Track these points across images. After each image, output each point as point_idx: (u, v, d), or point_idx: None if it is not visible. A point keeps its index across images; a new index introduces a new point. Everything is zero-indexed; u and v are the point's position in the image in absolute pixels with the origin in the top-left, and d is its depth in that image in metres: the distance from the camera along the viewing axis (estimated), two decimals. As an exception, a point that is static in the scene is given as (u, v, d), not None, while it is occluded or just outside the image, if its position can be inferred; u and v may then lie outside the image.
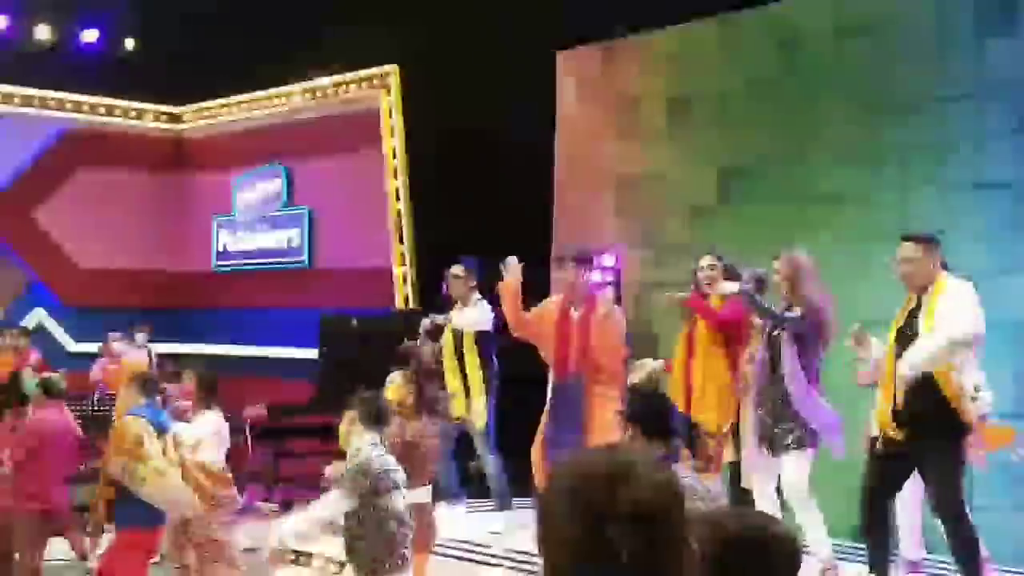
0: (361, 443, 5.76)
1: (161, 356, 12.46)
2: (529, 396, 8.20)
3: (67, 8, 14.07)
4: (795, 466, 6.68)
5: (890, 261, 6.25)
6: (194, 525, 7.70)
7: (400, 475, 5.76)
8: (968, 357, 6.03)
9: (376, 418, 5.83)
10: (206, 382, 8.07)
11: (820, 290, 6.82)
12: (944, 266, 6.37)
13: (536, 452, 7.61)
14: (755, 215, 9.16)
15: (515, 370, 8.53)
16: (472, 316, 8.41)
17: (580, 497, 1.49)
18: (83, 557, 8.68)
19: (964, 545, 5.93)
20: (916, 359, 5.88)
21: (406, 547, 5.70)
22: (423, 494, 6.73)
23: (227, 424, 7.94)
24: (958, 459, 5.99)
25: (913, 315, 6.11)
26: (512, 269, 7.53)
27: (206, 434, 7.72)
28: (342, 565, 6.25)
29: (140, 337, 12.64)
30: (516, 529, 7.95)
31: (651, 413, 4.61)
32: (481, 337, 8.40)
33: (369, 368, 8.25)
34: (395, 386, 6.80)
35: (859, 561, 6.46)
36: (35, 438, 7.98)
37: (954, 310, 5.94)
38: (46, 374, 8.85)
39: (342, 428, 5.89)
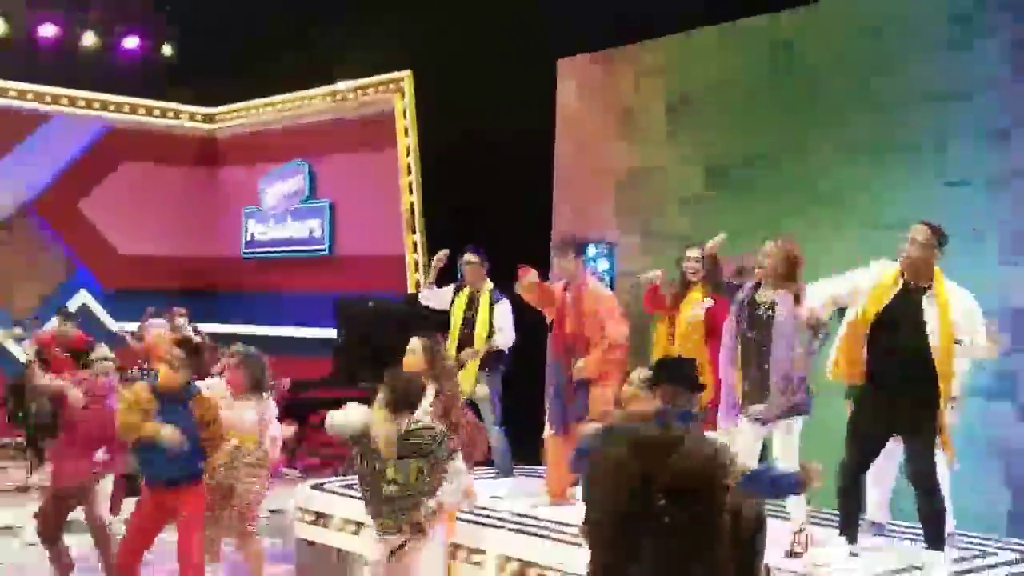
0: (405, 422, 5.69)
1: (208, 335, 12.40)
2: (529, 375, 8.24)
3: (111, 18, 14.05)
4: (788, 435, 6.65)
5: (900, 241, 6.17)
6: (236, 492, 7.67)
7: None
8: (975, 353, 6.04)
9: (407, 402, 5.65)
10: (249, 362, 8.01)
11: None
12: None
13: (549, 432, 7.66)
14: (740, 208, 9.14)
15: (517, 352, 8.48)
16: (506, 334, 8.34)
17: (631, 466, 1.47)
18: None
19: (933, 515, 5.91)
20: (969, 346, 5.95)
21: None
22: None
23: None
24: (938, 426, 5.98)
25: (908, 295, 6.02)
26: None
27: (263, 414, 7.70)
28: (359, 525, 6.21)
29: (180, 321, 12.60)
30: (516, 494, 7.93)
31: (680, 372, 4.80)
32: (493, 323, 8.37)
33: (383, 347, 8.22)
34: (414, 355, 6.72)
35: (829, 525, 6.39)
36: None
37: (975, 320, 5.94)
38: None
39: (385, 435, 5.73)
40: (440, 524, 5.77)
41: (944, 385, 5.90)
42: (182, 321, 12.49)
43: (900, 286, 6.07)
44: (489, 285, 8.39)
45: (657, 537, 1.44)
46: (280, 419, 9.11)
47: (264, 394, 7.66)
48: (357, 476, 5.89)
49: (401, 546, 5.62)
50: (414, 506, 5.56)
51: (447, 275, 8.71)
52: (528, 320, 8.26)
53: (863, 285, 6.15)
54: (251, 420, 7.56)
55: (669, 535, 1.44)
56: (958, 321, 5.93)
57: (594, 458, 1.58)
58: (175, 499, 6.69)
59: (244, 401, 7.72)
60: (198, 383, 7.01)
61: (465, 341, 8.26)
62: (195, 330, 12.35)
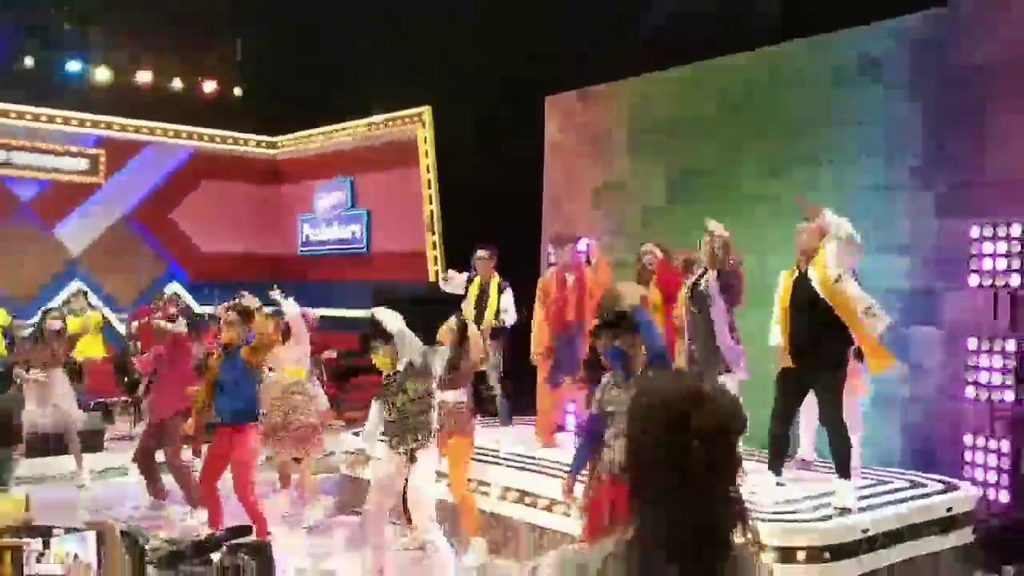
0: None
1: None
2: (523, 348, 8.26)
3: (193, 65, 14.06)
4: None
5: (795, 231, 6.21)
6: (292, 424, 7.74)
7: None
8: (853, 283, 5.95)
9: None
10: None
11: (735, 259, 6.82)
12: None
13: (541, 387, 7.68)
14: (691, 213, 9.10)
15: (513, 329, 8.53)
16: (510, 313, 8.40)
17: (666, 414, 1.46)
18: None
19: (841, 451, 5.95)
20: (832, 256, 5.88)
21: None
22: (462, 394, 6.79)
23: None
24: (840, 383, 6.02)
25: (804, 279, 6.05)
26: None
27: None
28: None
29: (249, 299, 12.59)
30: (514, 439, 7.96)
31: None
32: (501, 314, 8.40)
33: (409, 324, 8.21)
34: (446, 328, 6.81)
35: (759, 461, 6.39)
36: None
37: (837, 255, 5.90)
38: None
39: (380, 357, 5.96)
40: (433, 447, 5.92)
41: (843, 313, 5.87)
42: (250, 300, 12.49)
43: (796, 275, 6.12)
44: (496, 276, 8.41)
45: (688, 474, 1.42)
46: (328, 379, 9.15)
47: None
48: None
49: (410, 456, 5.76)
50: (413, 427, 5.76)
51: (462, 267, 8.77)
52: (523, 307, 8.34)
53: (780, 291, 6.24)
54: (294, 357, 7.68)
55: (702, 470, 1.42)
56: (831, 266, 5.89)
57: (635, 403, 1.53)
58: (230, 439, 6.75)
59: (287, 345, 7.83)
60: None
61: (477, 320, 8.27)
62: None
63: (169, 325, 8.21)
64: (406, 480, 5.79)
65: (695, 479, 1.42)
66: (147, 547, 1.65)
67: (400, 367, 5.88)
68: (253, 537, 1.68)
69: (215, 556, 1.72)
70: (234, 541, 1.75)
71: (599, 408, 4.90)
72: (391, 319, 5.90)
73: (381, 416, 5.99)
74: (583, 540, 4.78)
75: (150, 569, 1.59)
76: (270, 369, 7.68)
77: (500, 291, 8.40)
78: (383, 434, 6.06)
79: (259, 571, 1.72)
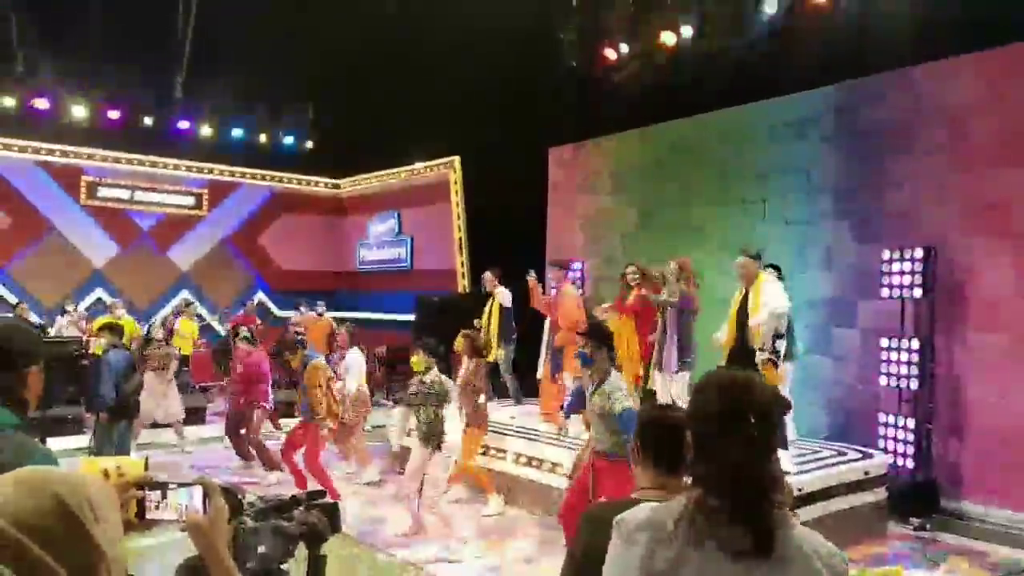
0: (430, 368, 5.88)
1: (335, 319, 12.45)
2: (529, 345, 8.25)
3: (275, 124, 14.10)
4: (680, 383, 6.61)
5: (733, 265, 6.14)
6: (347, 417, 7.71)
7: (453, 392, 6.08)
8: (770, 323, 5.88)
9: (434, 354, 6.07)
10: (354, 334, 8.16)
11: (694, 282, 6.80)
12: (766, 267, 6.30)
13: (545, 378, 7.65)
14: (657, 239, 9.12)
15: (521, 330, 8.50)
16: (504, 297, 8.31)
17: (729, 395, 1.44)
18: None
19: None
20: (760, 318, 5.78)
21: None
22: (483, 397, 6.78)
23: (365, 358, 8.03)
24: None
25: (746, 299, 6.02)
26: (531, 280, 7.89)
27: (353, 363, 7.72)
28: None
29: (320, 307, 12.63)
30: (523, 415, 7.92)
31: (599, 333, 4.77)
32: (503, 312, 8.29)
33: (443, 326, 8.20)
34: (462, 341, 6.83)
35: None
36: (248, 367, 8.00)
37: (772, 295, 5.86)
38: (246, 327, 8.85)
39: (416, 359, 5.98)
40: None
41: (755, 342, 5.83)
42: (321, 310, 12.52)
43: (743, 293, 6.07)
44: (500, 288, 8.34)
45: (744, 444, 1.39)
46: (380, 371, 9.08)
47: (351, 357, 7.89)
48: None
49: (438, 448, 5.89)
50: (437, 434, 5.87)
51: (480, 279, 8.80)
52: (528, 312, 8.27)
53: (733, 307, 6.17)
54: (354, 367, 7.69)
55: (754, 441, 1.40)
56: (764, 296, 5.86)
57: (702, 389, 1.51)
58: (303, 427, 6.88)
59: (352, 353, 7.79)
60: (318, 359, 7.07)
61: (489, 325, 8.25)
62: (321, 315, 12.34)
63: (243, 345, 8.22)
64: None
65: (751, 446, 1.40)
66: (244, 501, 1.61)
67: (429, 379, 5.88)
68: (327, 499, 1.66)
69: (296, 512, 1.68)
70: (312, 502, 1.71)
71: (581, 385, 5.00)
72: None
73: (405, 419, 6.05)
74: (568, 499, 4.70)
75: (246, 519, 1.56)
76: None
77: (500, 291, 8.37)
78: (411, 433, 6.13)
79: (330, 525, 1.68)
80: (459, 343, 6.82)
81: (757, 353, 5.75)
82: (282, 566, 1.58)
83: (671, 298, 6.65)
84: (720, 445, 1.41)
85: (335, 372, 7.52)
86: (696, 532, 1.38)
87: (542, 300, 7.94)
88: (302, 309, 12.71)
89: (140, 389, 6.75)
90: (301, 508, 1.72)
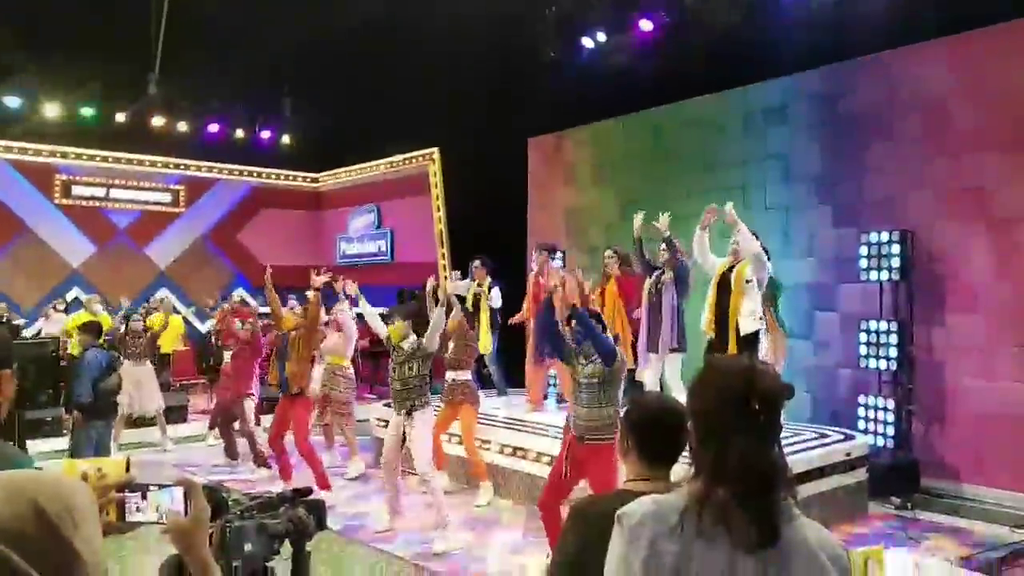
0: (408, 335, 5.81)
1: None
2: (514, 337, 8.28)
3: (252, 119, 13.95)
4: (674, 364, 6.63)
5: (731, 241, 6.13)
6: (333, 398, 7.70)
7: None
8: (752, 294, 5.89)
9: (409, 316, 5.98)
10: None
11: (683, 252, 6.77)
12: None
13: (529, 363, 7.63)
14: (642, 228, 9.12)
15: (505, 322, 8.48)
16: (496, 300, 8.26)
17: (734, 382, 1.41)
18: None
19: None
20: (748, 247, 5.81)
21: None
22: (469, 374, 6.82)
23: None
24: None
25: (729, 271, 6.01)
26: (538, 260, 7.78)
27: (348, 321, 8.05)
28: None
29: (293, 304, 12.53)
30: (509, 406, 7.92)
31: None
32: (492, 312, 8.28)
33: (425, 319, 8.16)
34: (454, 320, 6.78)
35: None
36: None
37: (747, 239, 5.86)
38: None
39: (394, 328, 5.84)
40: (428, 406, 5.82)
41: (736, 313, 5.84)
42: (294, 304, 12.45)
43: (726, 267, 6.08)
44: (488, 279, 8.33)
45: (749, 433, 1.37)
46: (362, 363, 9.06)
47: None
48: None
49: (408, 414, 5.71)
50: (410, 392, 5.70)
51: (463, 273, 8.71)
52: (513, 307, 8.25)
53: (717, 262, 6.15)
54: (340, 344, 7.66)
55: (759, 430, 1.37)
56: (748, 271, 5.86)
57: (705, 375, 1.48)
58: (287, 407, 6.83)
59: (335, 335, 7.79)
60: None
61: (474, 313, 8.20)
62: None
63: (240, 329, 8.21)
64: (404, 433, 5.74)
65: (757, 435, 1.38)
66: (228, 499, 1.60)
67: (408, 345, 5.78)
68: (313, 496, 1.65)
69: (282, 510, 1.66)
70: (297, 499, 1.70)
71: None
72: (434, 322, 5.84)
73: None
74: (545, 490, 4.71)
75: (232, 517, 1.54)
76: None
77: (490, 288, 8.34)
78: (387, 403, 6.06)
79: (316, 522, 1.67)
80: (452, 322, 6.77)
81: (745, 321, 5.76)
82: (268, 564, 1.57)
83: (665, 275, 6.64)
84: (725, 434, 1.38)
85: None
86: (702, 524, 1.35)
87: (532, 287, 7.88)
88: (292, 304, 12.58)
89: (118, 390, 6.66)
90: (287, 506, 1.71)
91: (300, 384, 6.75)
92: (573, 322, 4.82)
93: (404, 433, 5.74)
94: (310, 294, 6.96)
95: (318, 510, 1.66)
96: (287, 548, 1.63)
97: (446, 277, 9.16)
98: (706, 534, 1.35)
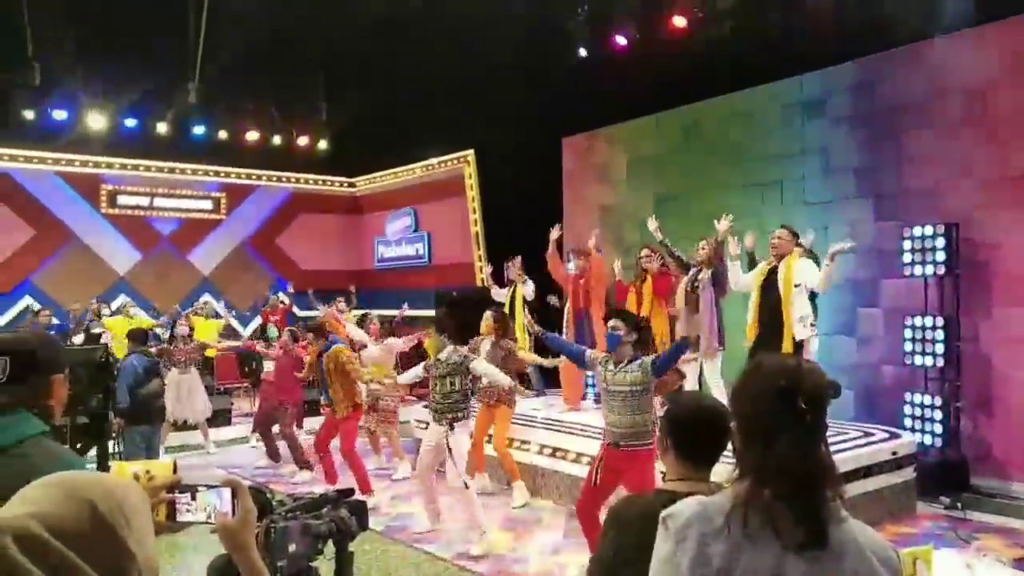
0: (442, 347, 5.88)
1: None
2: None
3: (291, 126, 14.15)
4: (713, 363, 6.57)
5: (771, 236, 6.09)
6: (379, 407, 7.76)
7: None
8: (802, 300, 5.88)
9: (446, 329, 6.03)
10: (385, 326, 8.23)
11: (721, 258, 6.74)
12: (799, 245, 6.29)
13: (567, 364, 7.61)
14: (675, 225, 9.04)
15: (543, 321, 8.47)
16: (529, 289, 8.30)
17: (781, 381, 1.39)
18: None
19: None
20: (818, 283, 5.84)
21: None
22: (509, 379, 6.72)
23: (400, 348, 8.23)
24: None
25: (774, 273, 5.98)
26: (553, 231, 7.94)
27: (389, 348, 7.93)
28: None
29: (342, 305, 12.65)
30: (547, 406, 7.91)
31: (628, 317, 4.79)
32: (527, 303, 8.28)
33: (462, 319, 8.21)
34: (487, 321, 6.79)
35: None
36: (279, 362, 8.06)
37: (809, 272, 5.85)
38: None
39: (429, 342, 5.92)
40: (470, 418, 5.82)
41: (786, 315, 5.85)
42: (343, 306, 12.58)
43: (771, 266, 6.03)
44: (523, 276, 8.35)
45: (795, 432, 1.36)
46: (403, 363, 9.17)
47: (389, 340, 8.06)
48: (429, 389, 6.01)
49: (450, 426, 5.70)
50: (452, 406, 5.70)
51: (500, 277, 8.76)
52: (549, 306, 8.26)
53: (754, 277, 6.12)
54: (383, 355, 7.73)
55: (806, 429, 1.36)
56: (797, 276, 5.83)
57: (751, 375, 1.46)
58: (333, 419, 6.97)
59: (380, 344, 7.84)
60: (341, 344, 7.18)
61: (511, 312, 8.21)
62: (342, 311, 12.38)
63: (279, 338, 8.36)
64: (447, 442, 5.75)
65: (805, 435, 1.37)
66: (273, 500, 1.63)
67: (446, 357, 5.79)
68: (355, 497, 1.68)
69: (325, 511, 1.70)
70: (340, 500, 1.73)
71: (592, 359, 4.85)
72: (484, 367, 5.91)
73: (417, 374, 5.96)
74: (584, 494, 4.65)
75: (277, 518, 1.57)
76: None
77: (524, 283, 8.35)
78: (428, 407, 6.09)
79: (358, 523, 1.69)
80: (486, 325, 6.78)
81: (797, 328, 5.75)
82: (311, 563, 1.60)
83: (701, 273, 6.60)
84: (771, 435, 1.36)
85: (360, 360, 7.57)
86: (748, 526, 1.34)
87: (561, 272, 7.88)
88: (340, 306, 12.67)
89: (160, 394, 6.78)
90: (330, 507, 1.74)
91: (347, 409, 6.86)
92: (610, 325, 4.74)
93: (446, 445, 5.73)
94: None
95: (360, 511, 1.69)
96: (330, 548, 1.65)
97: (483, 279, 9.20)
98: (753, 535, 1.33)
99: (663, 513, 1.43)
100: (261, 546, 1.49)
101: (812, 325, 5.88)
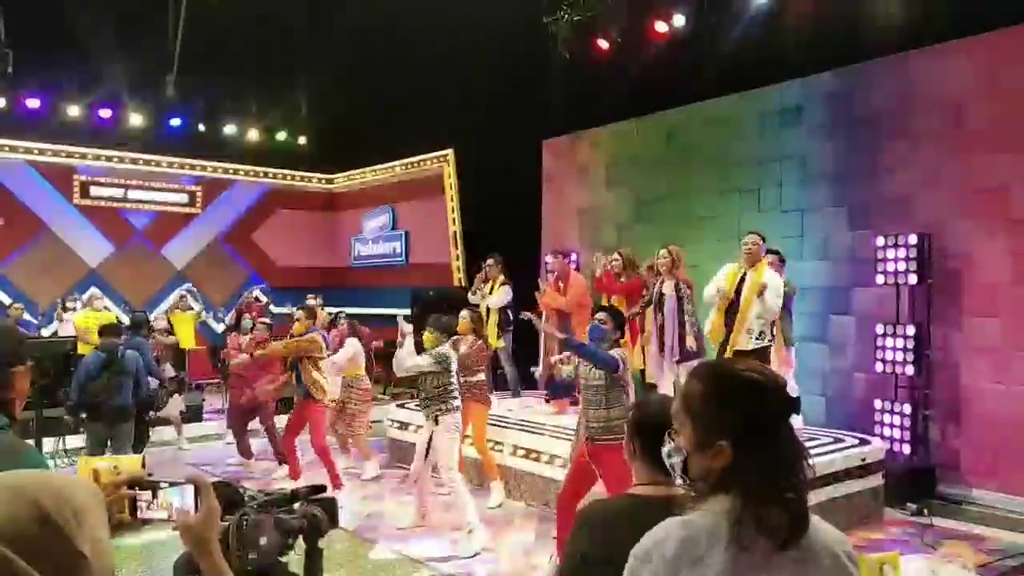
0: (440, 345, 5.83)
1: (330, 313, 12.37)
2: (527, 336, 8.19)
3: (267, 120, 14.05)
4: (684, 371, 6.60)
5: (743, 243, 6.12)
6: (348, 410, 7.70)
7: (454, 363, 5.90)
8: (762, 303, 5.91)
9: (444, 330, 5.98)
10: (352, 326, 8.16)
11: (686, 270, 6.81)
12: (768, 251, 6.33)
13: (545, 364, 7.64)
14: (653, 228, 9.10)
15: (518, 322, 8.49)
16: (497, 299, 8.24)
17: (756, 387, 1.40)
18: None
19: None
20: (767, 306, 5.84)
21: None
22: (482, 375, 6.81)
23: (363, 348, 8.02)
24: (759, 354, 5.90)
25: (742, 281, 6.02)
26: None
27: (353, 353, 7.72)
28: (419, 427, 6.19)
29: (314, 303, 12.55)
30: (521, 407, 7.91)
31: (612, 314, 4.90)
32: (501, 309, 8.25)
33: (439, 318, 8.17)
34: (464, 321, 6.79)
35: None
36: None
37: (772, 291, 5.87)
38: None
39: (427, 337, 5.91)
40: (454, 412, 5.81)
41: (741, 320, 5.92)
42: (315, 303, 12.46)
43: (741, 272, 6.07)
44: (501, 276, 8.33)
45: (780, 432, 1.37)
46: (375, 364, 9.12)
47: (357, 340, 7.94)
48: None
49: (435, 421, 5.75)
50: (433, 403, 5.75)
51: (477, 271, 8.72)
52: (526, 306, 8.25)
53: (720, 282, 6.13)
54: (352, 357, 7.67)
55: (793, 443, 1.38)
56: (764, 283, 5.89)
57: (720, 380, 1.44)
58: (304, 408, 7.02)
59: (349, 347, 7.78)
60: (318, 333, 7.25)
61: (486, 315, 8.19)
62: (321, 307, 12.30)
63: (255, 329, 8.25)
64: (431, 436, 5.79)
65: (793, 446, 1.38)
66: (244, 496, 1.62)
67: (429, 366, 5.79)
68: (326, 494, 1.67)
69: (296, 506, 1.68)
70: (311, 496, 1.72)
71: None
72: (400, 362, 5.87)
73: (411, 351, 5.90)
74: (565, 487, 4.74)
75: (248, 511, 1.56)
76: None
77: (500, 285, 8.34)
78: (417, 406, 6.09)
79: (329, 519, 1.68)
80: (463, 324, 6.80)
81: (743, 337, 5.80)
82: (281, 559, 1.59)
83: (664, 286, 6.66)
84: (764, 450, 1.36)
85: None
86: (738, 539, 1.33)
87: (542, 295, 7.89)
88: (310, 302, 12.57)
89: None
90: (301, 503, 1.73)
91: (320, 391, 6.90)
92: (597, 317, 4.85)
93: (430, 439, 5.79)
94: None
95: (331, 508, 1.68)
96: (300, 544, 1.64)
97: (460, 278, 9.17)
98: (743, 544, 1.33)
99: (647, 547, 1.39)
100: (232, 538, 1.47)
101: (760, 335, 5.90)
